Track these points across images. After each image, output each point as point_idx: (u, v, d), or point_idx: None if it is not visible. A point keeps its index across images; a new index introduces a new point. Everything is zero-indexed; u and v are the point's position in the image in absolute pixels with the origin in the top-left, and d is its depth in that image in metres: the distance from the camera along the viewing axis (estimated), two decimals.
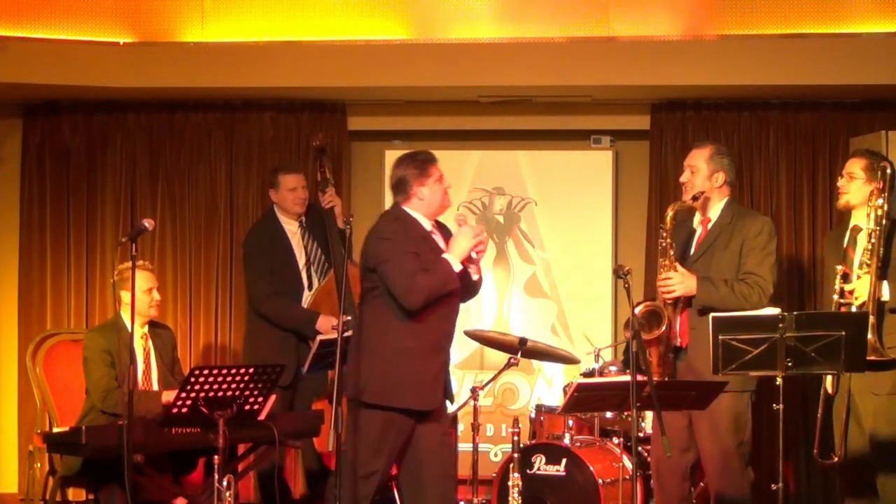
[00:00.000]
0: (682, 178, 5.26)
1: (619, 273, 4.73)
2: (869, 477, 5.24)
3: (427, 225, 4.95)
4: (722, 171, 5.20)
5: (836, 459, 5.28)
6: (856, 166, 5.24)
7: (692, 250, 5.23)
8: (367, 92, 7.05)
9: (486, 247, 4.92)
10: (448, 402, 5.00)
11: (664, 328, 5.03)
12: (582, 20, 6.85)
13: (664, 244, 5.10)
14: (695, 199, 5.18)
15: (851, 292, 5.12)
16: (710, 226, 5.23)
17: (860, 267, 5.09)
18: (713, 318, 4.67)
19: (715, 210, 5.23)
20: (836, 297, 5.12)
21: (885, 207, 5.12)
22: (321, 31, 6.92)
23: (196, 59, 6.87)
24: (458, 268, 4.81)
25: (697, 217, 5.30)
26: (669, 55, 6.75)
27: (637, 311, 5.05)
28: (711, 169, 5.19)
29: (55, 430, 5.90)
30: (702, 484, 5.70)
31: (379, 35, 6.90)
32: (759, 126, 7.07)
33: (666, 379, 5.02)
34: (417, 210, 4.93)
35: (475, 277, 4.95)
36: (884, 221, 5.10)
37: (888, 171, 5.17)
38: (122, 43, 6.92)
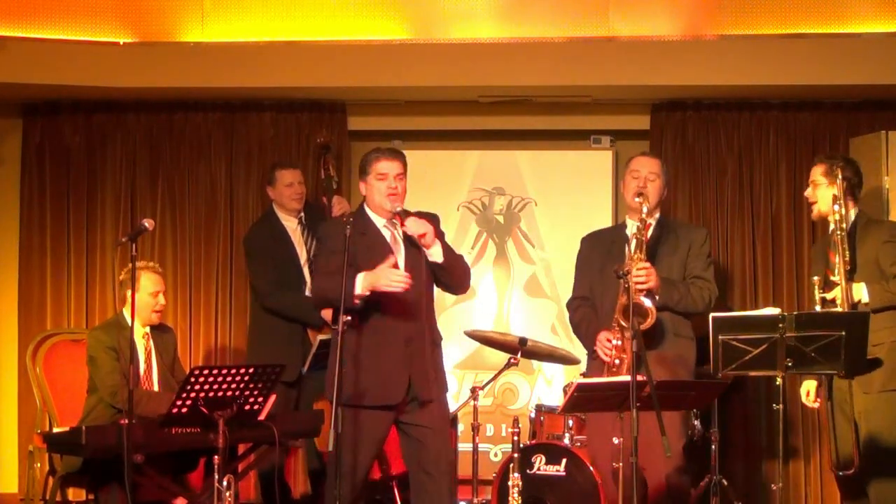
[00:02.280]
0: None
1: (618, 273, 4.73)
2: (864, 481, 5.24)
3: (379, 222, 4.94)
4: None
5: (852, 471, 5.22)
6: (816, 173, 5.31)
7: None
8: (367, 92, 7.05)
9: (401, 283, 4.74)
10: (416, 403, 4.91)
11: (651, 320, 5.06)
12: (582, 20, 6.85)
13: (642, 239, 5.14)
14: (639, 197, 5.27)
15: (833, 300, 5.10)
16: (650, 231, 5.29)
17: (838, 274, 5.09)
18: (713, 317, 4.68)
19: (653, 217, 5.34)
20: (817, 307, 5.09)
21: (844, 212, 5.12)
22: (321, 31, 6.92)
23: (196, 59, 6.87)
24: (358, 290, 4.72)
25: (632, 224, 5.34)
26: (669, 55, 6.76)
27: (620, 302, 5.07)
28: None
29: (55, 430, 5.91)
30: None
31: (379, 35, 6.90)
32: (759, 126, 7.07)
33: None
34: (370, 206, 4.97)
35: (437, 260, 4.85)
36: (844, 226, 5.09)
37: (839, 177, 5.17)
38: (122, 43, 6.92)
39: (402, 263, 4.89)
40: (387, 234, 4.95)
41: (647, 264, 5.12)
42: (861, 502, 5.27)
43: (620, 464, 4.75)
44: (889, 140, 6.43)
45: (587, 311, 5.44)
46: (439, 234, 4.97)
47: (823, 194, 5.25)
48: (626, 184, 5.46)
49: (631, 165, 5.47)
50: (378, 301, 4.82)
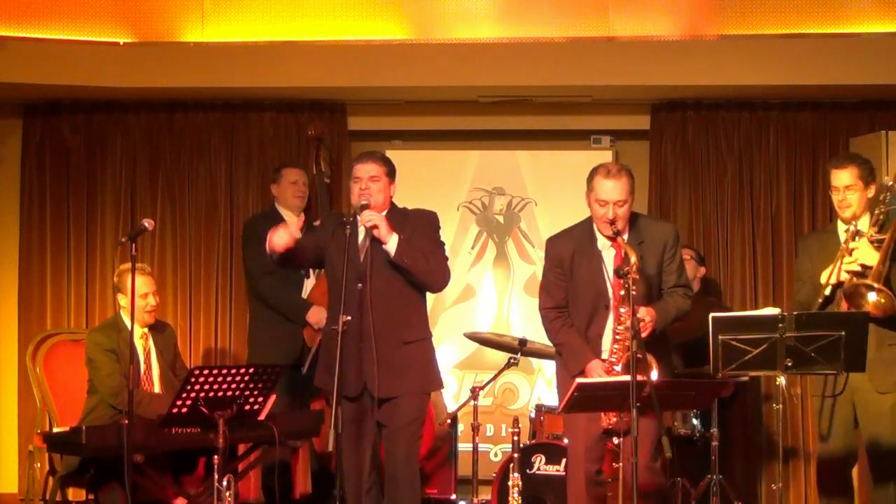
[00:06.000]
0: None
1: (619, 273, 4.72)
2: (845, 474, 5.18)
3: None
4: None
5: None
6: (853, 176, 5.06)
7: (611, 273, 4.92)
8: (367, 92, 7.06)
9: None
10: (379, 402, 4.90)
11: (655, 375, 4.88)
12: (582, 20, 6.85)
13: (633, 290, 4.64)
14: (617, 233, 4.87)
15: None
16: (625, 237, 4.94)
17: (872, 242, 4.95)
18: (713, 317, 4.67)
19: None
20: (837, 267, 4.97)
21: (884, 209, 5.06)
22: (321, 31, 6.92)
23: (196, 59, 6.87)
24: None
25: (602, 240, 4.97)
26: (669, 55, 6.76)
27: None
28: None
29: (55, 430, 5.91)
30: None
31: (379, 35, 6.91)
32: (759, 126, 7.07)
33: None
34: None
35: (389, 255, 4.87)
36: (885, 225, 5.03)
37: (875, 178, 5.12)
38: (122, 43, 6.92)
39: (361, 257, 4.92)
40: (361, 232, 4.96)
41: (641, 317, 4.73)
42: (839, 496, 5.20)
43: (620, 464, 4.69)
44: (889, 140, 6.43)
45: None
46: (424, 231, 4.99)
47: (859, 197, 5.05)
48: (592, 208, 4.94)
49: (596, 191, 4.88)
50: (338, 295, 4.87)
